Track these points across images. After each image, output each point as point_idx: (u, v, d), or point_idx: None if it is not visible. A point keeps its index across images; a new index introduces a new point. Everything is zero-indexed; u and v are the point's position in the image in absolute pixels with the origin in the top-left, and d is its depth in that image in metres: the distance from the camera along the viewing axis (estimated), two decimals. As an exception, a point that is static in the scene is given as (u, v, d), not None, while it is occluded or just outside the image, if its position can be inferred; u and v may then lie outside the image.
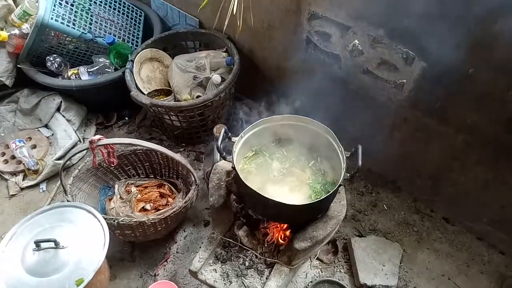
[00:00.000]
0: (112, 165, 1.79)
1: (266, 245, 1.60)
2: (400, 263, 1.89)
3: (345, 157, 1.38)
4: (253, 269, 1.58)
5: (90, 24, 2.43)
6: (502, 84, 1.39)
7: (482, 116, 1.54)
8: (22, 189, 2.33)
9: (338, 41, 1.76)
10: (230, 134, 1.47)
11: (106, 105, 2.72)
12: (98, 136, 1.63)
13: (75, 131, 2.52)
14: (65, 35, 2.33)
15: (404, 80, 1.64)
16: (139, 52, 2.37)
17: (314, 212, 1.45)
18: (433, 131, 1.75)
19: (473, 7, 1.26)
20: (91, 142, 1.62)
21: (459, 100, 1.56)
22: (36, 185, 2.35)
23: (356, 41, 1.67)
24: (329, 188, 1.45)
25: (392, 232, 2.04)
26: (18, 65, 2.43)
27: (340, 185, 1.34)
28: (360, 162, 1.27)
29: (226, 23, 1.61)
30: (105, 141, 1.63)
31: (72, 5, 2.37)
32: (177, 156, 1.78)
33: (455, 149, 1.74)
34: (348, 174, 1.35)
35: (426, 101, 1.67)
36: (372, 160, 1.90)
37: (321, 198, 1.33)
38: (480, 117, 1.55)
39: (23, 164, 2.32)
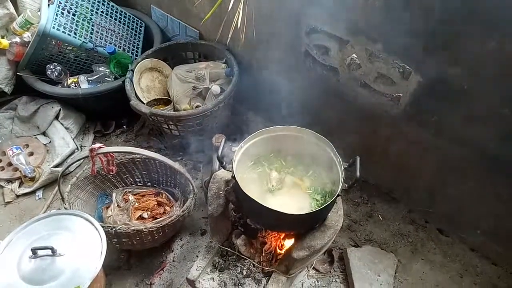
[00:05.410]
0: (111, 173, 1.80)
1: (264, 254, 1.62)
2: (395, 273, 1.91)
3: (343, 168, 1.41)
4: (250, 278, 1.59)
5: (91, 33, 2.45)
6: (496, 101, 1.42)
7: (477, 130, 1.57)
8: (18, 196, 2.32)
9: (337, 55, 1.80)
10: (230, 144, 1.49)
11: (105, 113, 2.74)
12: (98, 145, 1.64)
13: (73, 139, 2.53)
14: (66, 44, 2.36)
15: (401, 94, 1.68)
16: (139, 62, 2.40)
17: (312, 221, 1.47)
18: (429, 144, 1.78)
19: (467, 24, 1.31)
20: (91, 150, 1.63)
21: (454, 114, 1.59)
22: (32, 192, 2.34)
23: (354, 55, 1.71)
24: (327, 198, 1.47)
25: (387, 243, 2.06)
26: (18, 73, 2.44)
27: (338, 195, 1.36)
28: (358, 173, 1.30)
29: (229, 36, 1.64)
30: (106, 149, 1.64)
31: (73, 14, 2.40)
32: (177, 165, 1.80)
33: (451, 162, 1.77)
34: (346, 185, 1.37)
35: (422, 115, 1.70)
36: (368, 171, 1.93)
37: (320, 208, 1.35)
38: (475, 132, 1.58)
39: (20, 171, 2.32)
